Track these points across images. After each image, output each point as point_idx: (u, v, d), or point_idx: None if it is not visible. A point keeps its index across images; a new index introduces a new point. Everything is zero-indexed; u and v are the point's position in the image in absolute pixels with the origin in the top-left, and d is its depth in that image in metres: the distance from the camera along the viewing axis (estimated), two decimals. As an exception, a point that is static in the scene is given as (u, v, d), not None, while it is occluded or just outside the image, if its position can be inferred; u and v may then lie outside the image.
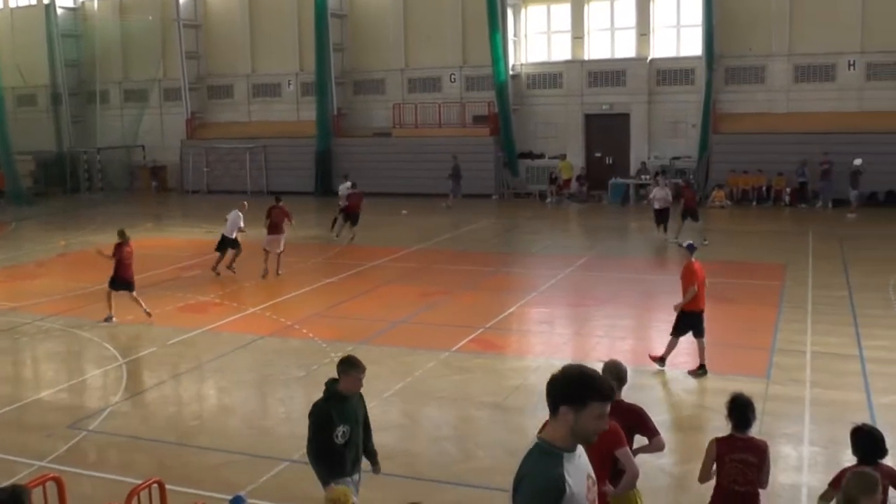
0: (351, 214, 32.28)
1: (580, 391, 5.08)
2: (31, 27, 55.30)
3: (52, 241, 31.91)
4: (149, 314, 20.85)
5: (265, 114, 52.13)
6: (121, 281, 21.19)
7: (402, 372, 16.50)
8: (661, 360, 16.57)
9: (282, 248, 26.64)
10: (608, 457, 8.16)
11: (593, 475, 5.34)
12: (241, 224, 26.48)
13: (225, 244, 26.46)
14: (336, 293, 23.75)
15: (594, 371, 5.26)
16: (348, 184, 33.97)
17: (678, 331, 16.40)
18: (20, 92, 55.49)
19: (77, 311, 22.27)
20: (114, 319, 20.93)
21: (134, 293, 21.19)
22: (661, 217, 31.16)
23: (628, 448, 8.16)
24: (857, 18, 40.07)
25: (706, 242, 28.87)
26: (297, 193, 46.04)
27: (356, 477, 9.33)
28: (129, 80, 55.30)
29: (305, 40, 49.51)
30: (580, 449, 5.25)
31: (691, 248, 16.73)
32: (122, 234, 21.59)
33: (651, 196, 32.17)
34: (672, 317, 16.52)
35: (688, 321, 16.28)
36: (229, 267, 26.22)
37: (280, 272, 26.36)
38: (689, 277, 16.16)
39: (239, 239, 26.49)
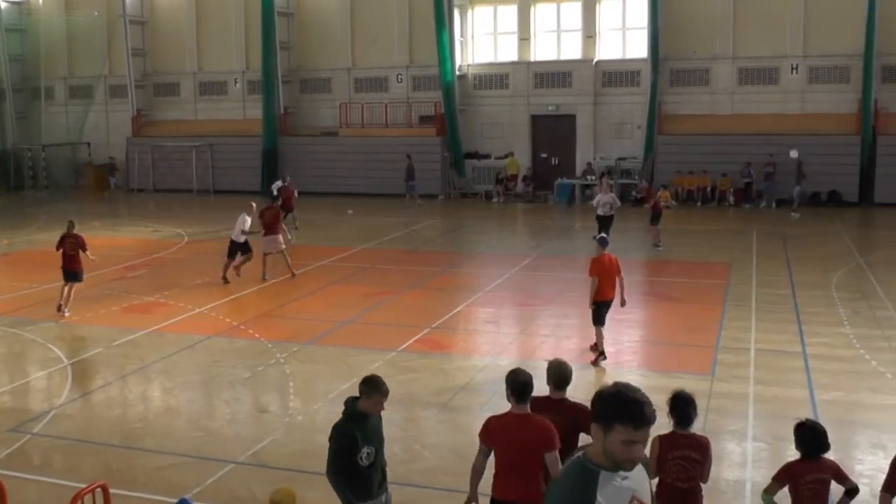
0: (285, 209, 32.58)
1: (605, 411, 4.65)
2: (-28, 23, 54.48)
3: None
4: (59, 308, 21.12)
5: (212, 112, 51.80)
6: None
7: (348, 372, 16.45)
8: (599, 355, 16.87)
9: (284, 246, 25.92)
10: (539, 458, 8.22)
11: (645, 499, 4.82)
12: (247, 227, 25.27)
13: (235, 249, 25.32)
14: (282, 293, 23.65)
15: (633, 392, 4.74)
16: (279, 182, 34.62)
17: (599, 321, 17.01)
18: (-38, 87, 54.76)
19: (20, 311, 21.95)
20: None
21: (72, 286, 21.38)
22: (605, 224, 28.14)
23: (558, 453, 8.16)
24: (800, 23, 40.66)
25: (660, 248, 29.05)
26: (243, 192, 45.72)
27: (384, 498, 8.96)
28: (74, 77, 54.70)
29: (252, 38, 49.28)
30: (637, 469, 4.78)
31: (603, 242, 17.43)
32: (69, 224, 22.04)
33: (595, 201, 29.66)
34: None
35: (603, 310, 16.92)
36: (236, 268, 25.18)
37: (294, 273, 25.51)
38: (592, 270, 16.82)
39: (250, 242, 25.32)
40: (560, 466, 8.06)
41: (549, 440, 8.15)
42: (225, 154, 49.38)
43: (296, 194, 34.74)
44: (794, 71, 41.13)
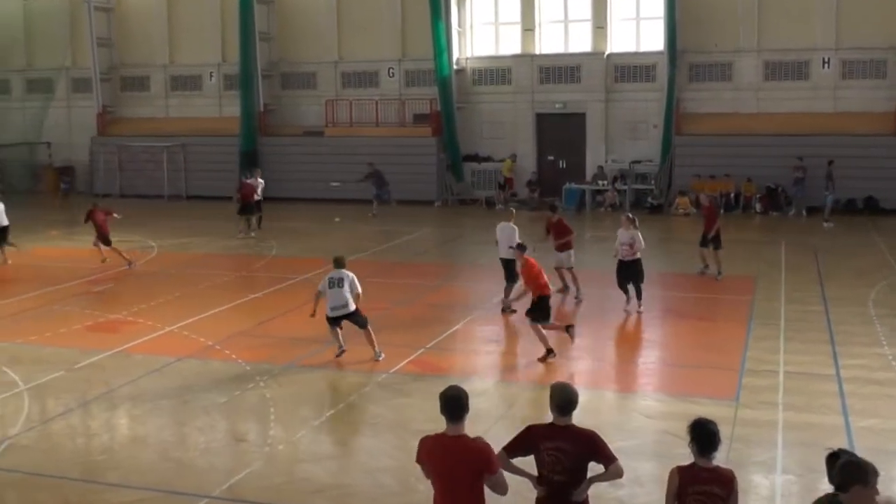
0: (245, 205, 34.93)
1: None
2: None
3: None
4: None
5: (184, 109, 51.79)
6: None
7: (334, 397, 16.42)
8: (547, 352, 18.37)
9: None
10: (477, 479, 8.31)
11: None
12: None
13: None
14: (261, 310, 23.60)
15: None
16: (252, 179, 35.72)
17: (541, 317, 18.68)
18: None
19: (-29, 329, 21.92)
20: None
21: None
22: (626, 274, 22.90)
23: (500, 474, 8.35)
24: (832, 12, 40.65)
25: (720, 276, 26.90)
26: (219, 198, 45.71)
27: None
28: (32, 69, 54.61)
29: (229, 28, 49.28)
30: None
31: (521, 248, 19.53)
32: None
33: (617, 244, 23.10)
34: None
35: (544, 305, 18.58)
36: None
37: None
38: (525, 273, 18.80)
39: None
40: (503, 485, 8.38)
41: (486, 462, 8.30)
42: (199, 155, 49.34)
43: (258, 191, 35.85)
44: (826, 65, 41.15)
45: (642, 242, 22.74)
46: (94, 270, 28.85)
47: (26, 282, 27.45)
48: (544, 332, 18.69)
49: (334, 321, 18.69)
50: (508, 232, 22.97)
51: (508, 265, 22.75)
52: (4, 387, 17.55)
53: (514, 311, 21.93)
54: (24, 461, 13.89)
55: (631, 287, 22.62)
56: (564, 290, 24.27)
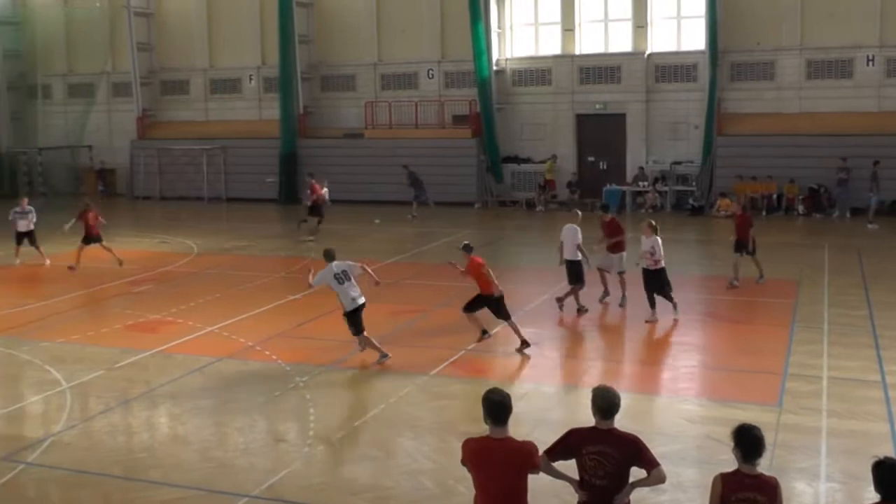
0: (315, 206, 36.10)
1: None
2: (-36, 14, 54.95)
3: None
4: None
5: (224, 112, 52.07)
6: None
7: (374, 399, 16.42)
8: (483, 333, 19.75)
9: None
10: (522, 480, 8.40)
11: None
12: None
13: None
14: (301, 311, 23.63)
15: None
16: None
17: (470, 308, 19.81)
18: (-48, 85, 55.25)
19: (14, 330, 22.08)
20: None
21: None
22: (652, 284, 22.23)
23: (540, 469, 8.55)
24: (876, 9, 40.29)
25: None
26: (258, 200, 45.97)
27: None
28: (73, 74, 55.15)
29: (268, 31, 49.47)
30: None
31: (468, 249, 20.18)
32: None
33: (643, 252, 22.17)
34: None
35: (482, 302, 19.67)
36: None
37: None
38: (473, 272, 19.65)
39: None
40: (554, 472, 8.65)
41: (528, 462, 8.40)
42: (239, 158, 49.61)
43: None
44: (870, 63, 40.77)
45: (661, 251, 21.88)
46: (135, 271, 29.03)
47: (68, 282, 27.69)
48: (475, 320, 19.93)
49: (354, 313, 18.73)
50: (572, 233, 22.84)
51: (573, 267, 22.70)
52: (47, 385, 17.71)
53: (587, 311, 22.48)
54: (66, 458, 13.99)
55: (659, 297, 22.06)
56: (605, 295, 23.91)
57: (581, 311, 22.56)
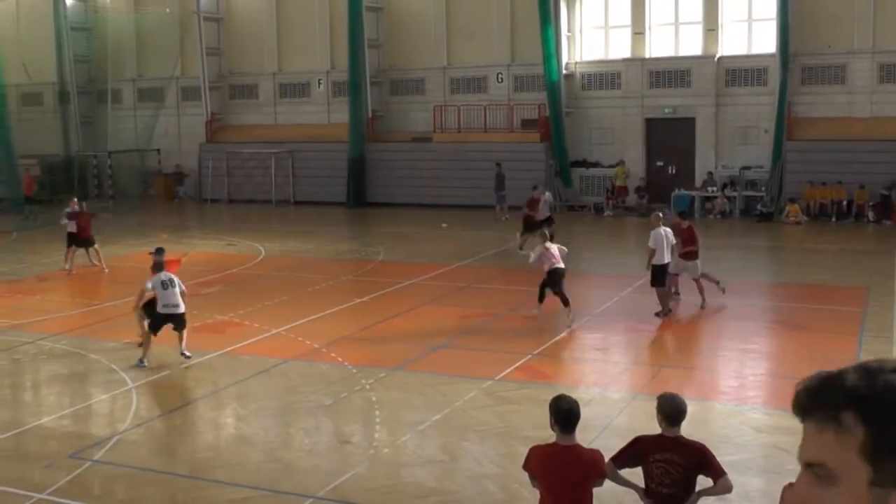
0: (79, 239, 30.83)
1: None
2: (37, 20, 55.62)
3: (57, 254, 32.00)
4: None
5: (293, 116, 52.33)
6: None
7: (440, 402, 16.43)
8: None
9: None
10: (588, 487, 8.48)
11: None
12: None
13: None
14: (368, 314, 23.73)
15: None
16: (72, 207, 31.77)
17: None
18: (25, 90, 56.12)
19: (83, 330, 22.40)
20: None
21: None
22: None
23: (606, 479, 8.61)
24: (951, 12, 39.70)
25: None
26: (326, 204, 46.21)
27: None
28: (143, 79, 55.71)
29: (337, 36, 49.65)
30: None
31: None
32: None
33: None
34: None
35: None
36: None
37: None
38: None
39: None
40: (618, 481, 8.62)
41: (596, 470, 8.43)
42: (307, 162, 49.83)
43: (543, 207, 33.30)
44: (944, 68, 40.24)
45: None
46: (202, 273, 29.26)
47: (135, 284, 27.82)
48: None
49: (163, 320, 19.19)
50: (668, 237, 22.71)
51: (656, 272, 22.45)
52: (114, 385, 17.91)
53: (670, 311, 22.38)
54: (132, 456, 14.15)
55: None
56: (675, 296, 23.74)
57: (665, 313, 22.44)
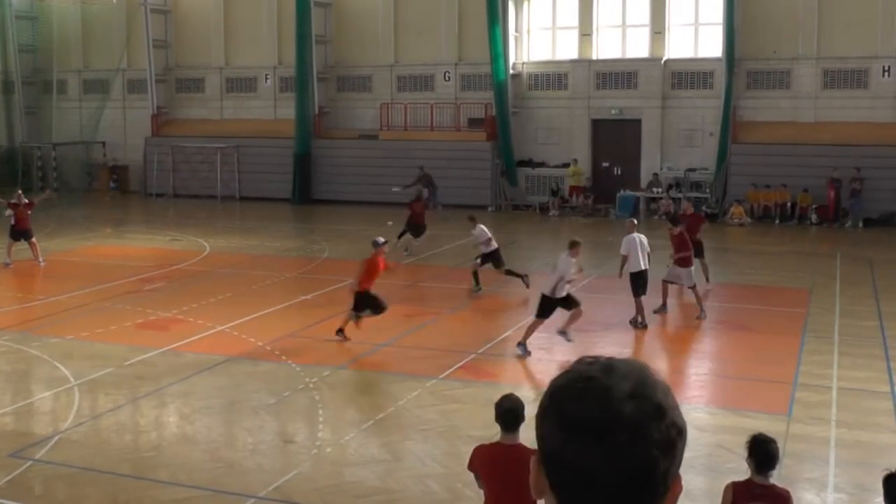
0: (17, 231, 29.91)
1: None
2: (-20, 8, 55.03)
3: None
4: None
5: (239, 111, 52.07)
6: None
7: (383, 401, 16.44)
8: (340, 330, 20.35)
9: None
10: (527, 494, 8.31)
11: None
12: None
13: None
14: (312, 312, 23.67)
15: None
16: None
17: (357, 308, 20.47)
18: (-34, 79, 55.40)
19: (24, 325, 22.17)
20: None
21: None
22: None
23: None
24: (893, 19, 40.14)
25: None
26: (272, 200, 46.03)
27: None
28: (89, 70, 55.18)
29: (285, 31, 49.44)
30: None
31: (376, 244, 21.08)
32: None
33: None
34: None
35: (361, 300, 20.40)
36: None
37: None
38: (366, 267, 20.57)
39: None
40: None
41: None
42: (253, 157, 49.56)
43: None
44: (886, 73, 40.67)
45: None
46: (146, 268, 29.08)
47: (79, 279, 27.70)
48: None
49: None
50: (641, 243, 22.23)
51: (634, 280, 22.03)
52: (56, 382, 17.75)
53: (646, 327, 21.87)
54: (74, 456, 14.02)
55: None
56: (662, 308, 23.26)
57: (642, 325, 21.97)
